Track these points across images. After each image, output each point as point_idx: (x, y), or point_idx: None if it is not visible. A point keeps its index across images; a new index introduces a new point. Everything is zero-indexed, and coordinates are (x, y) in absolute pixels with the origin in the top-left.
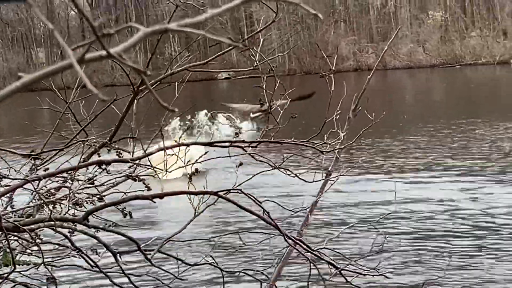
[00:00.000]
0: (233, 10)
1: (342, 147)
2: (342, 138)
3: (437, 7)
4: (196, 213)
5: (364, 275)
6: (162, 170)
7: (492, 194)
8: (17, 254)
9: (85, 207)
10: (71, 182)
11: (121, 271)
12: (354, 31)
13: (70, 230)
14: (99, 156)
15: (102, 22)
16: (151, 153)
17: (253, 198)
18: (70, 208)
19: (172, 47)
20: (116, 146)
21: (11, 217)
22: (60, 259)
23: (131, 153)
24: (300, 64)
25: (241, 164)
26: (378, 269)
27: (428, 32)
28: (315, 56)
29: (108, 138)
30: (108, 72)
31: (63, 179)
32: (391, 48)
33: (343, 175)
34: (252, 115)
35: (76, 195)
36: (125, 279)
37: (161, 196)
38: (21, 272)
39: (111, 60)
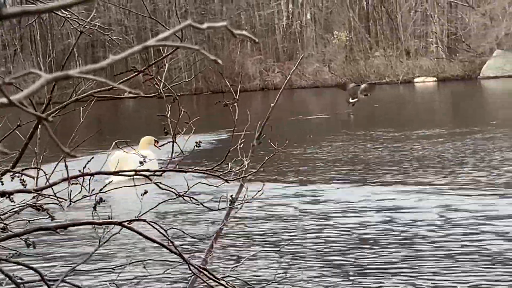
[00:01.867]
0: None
1: (246, 175)
2: (246, 165)
3: (342, 27)
4: (101, 243)
5: None
6: (66, 199)
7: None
8: None
9: None
10: None
11: None
12: (260, 51)
13: None
14: (2, 184)
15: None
16: (54, 183)
17: (156, 227)
18: None
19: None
20: (20, 173)
21: None
22: None
23: (36, 180)
24: (207, 83)
25: (145, 192)
26: None
27: (333, 52)
28: (221, 75)
29: (11, 165)
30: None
31: None
32: (297, 68)
33: (247, 201)
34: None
35: None
36: None
37: (64, 226)
38: None
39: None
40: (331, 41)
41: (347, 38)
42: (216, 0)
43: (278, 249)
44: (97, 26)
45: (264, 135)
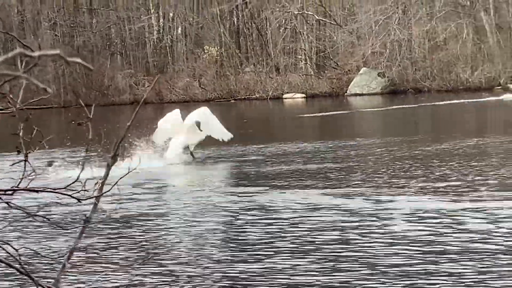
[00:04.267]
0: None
1: (99, 194)
2: (100, 184)
3: (213, 42)
4: None
5: None
6: None
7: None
8: None
9: None
10: None
11: None
12: (130, 64)
13: None
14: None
15: None
16: None
17: (4, 246)
18: None
19: None
20: None
21: None
22: None
23: None
24: (76, 96)
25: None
26: None
27: (204, 67)
28: (91, 88)
29: None
30: None
31: None
32: (167, 82)
33: (100, 222)
34: None
35: None
36: None
37: None
38: None
39: None
40: (201, 56)
41: (218, 53)
42: (86, 13)
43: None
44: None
45: (119, 154)
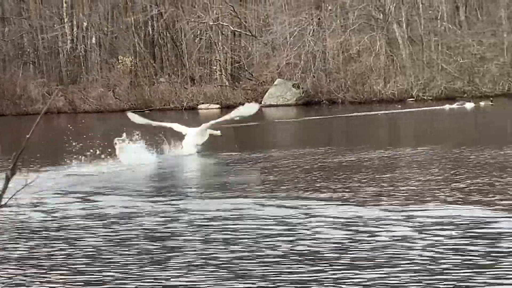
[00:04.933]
0: None
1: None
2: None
3: (127, 52)
4: None
5: None
6: None
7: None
8: None
9: None
10: None
11: None
12: (43, 74)
13: None
14: None
15: None
16: None
17: None
18: None
19: None
20: None
21: None
22: None
23: None
24: None
25: None
26: None
27: (118, 77)
28: (3, 97)
29: None
30: None
31: None
32: (81, 92)
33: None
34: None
35: None
36: None
37: None
38: None
39: None
40: (116, 66)
41: (132, 63)
42: None
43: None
44: None
45: (20, 164)
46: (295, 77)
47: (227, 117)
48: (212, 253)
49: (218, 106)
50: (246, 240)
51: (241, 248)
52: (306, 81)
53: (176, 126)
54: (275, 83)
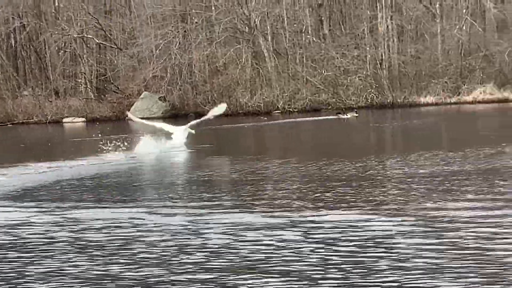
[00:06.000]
0: None
1: None
2: None
3: None
4: None
5: None
6: None
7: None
8: None
9: None
10: None
11: None
12: None
13: None
14: None
15: None
16: None
17: None
18: None
19: None
20: None
21: None
22: None
23: None
24: None
25: None
26: None
27: None
28: None
29: None
30: None
31: None
32: None
33: None
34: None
35: None
36: None
37: None
38: None
39: None
40: None
41: None
42: None
43: None
44: None
45: None
46: (162, 90)
47: (203, 118)
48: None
49: (83, 119)
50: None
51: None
52: (172, 94)
53: (165, 126)
54: (141, 96)
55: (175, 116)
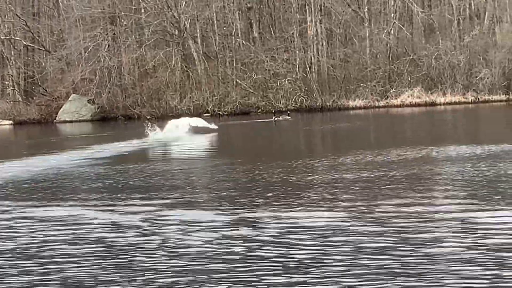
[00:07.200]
0: None
1: None
2: None
3: None
4: None
5: None
6: None
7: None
8: None
9: None
10: None
11: None
12: None
13: None
14: None
15: None
16: None
17: None
18: None
19: None
20: None
21: None
22: None
23: None
24: None
25: None
26: None
27: None
28: None
29: None
30: None
31: None
32: None
33: None
34: None
35: None
36: None
37: None
38: None
39: None
40: None
41: None
42: None
43: None
44: None
45: None
46: (91, 92)
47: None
48: None
49: (10, 122)
50: None
51: None
52: (101, 96)
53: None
54: (70, 98)
55: (104, 119)
